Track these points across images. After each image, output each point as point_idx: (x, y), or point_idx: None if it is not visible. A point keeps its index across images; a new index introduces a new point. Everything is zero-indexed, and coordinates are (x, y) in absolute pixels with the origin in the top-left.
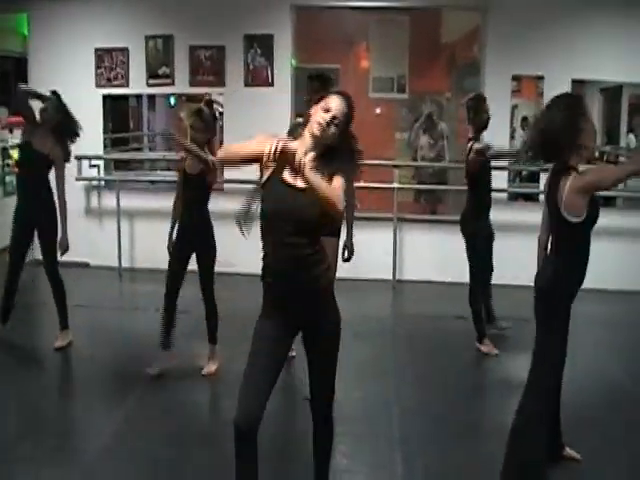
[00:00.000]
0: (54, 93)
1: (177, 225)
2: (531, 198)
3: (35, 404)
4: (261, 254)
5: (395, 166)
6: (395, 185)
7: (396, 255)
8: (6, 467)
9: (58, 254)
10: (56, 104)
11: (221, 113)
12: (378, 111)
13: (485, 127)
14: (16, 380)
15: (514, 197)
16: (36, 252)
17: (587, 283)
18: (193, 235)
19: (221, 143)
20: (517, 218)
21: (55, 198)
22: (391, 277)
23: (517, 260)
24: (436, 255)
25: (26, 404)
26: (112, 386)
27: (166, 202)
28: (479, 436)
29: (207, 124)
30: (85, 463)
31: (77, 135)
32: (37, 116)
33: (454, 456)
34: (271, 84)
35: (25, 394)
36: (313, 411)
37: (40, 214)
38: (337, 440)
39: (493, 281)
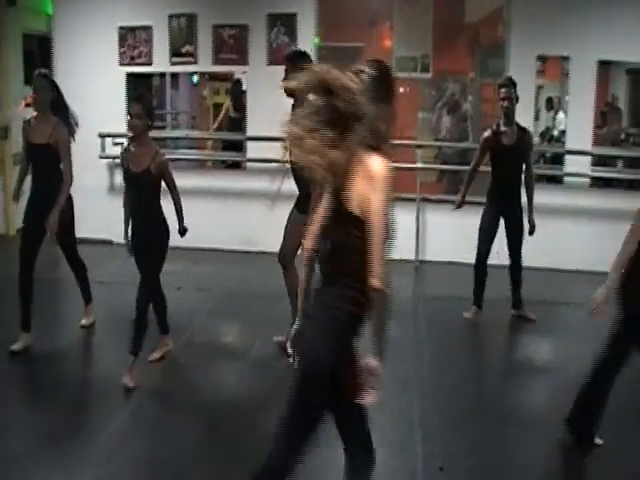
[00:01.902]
0: (44, 75)
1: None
2: (555, 180)
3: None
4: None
5: (418, 146)
6: (418, 165)
7: (419, 236)
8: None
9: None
10: (47, 84)
11: (244, 91)
12: (401, 90)
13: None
14: (44, 356)
15: (538, 179)
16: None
17: None
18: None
19: (239, 119)
20: (539, 200)
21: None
22: (414, 258)
23: (533, 242)
24: (459, 236)
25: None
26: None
27: (188, 180)
28: (498, 417)
29: (147, 110)
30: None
31: (75, 125)
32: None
33: (473, 436)
34: None
35: (55, 367)
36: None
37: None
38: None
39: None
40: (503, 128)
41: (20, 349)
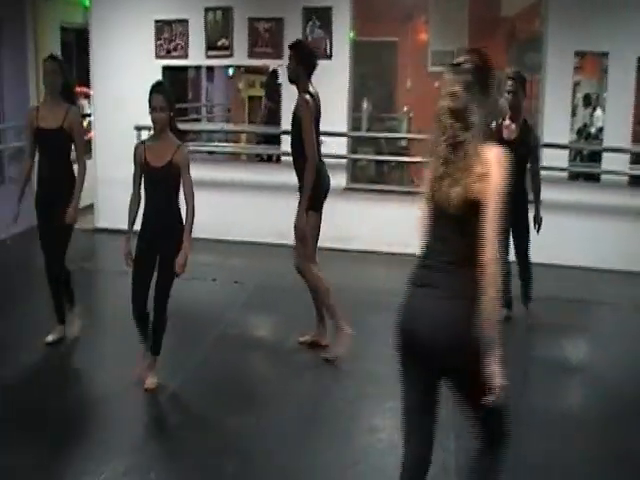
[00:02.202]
0: (54, 58)
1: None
2: (592, 178)
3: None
4: None
5: None
6: None
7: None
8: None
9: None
10: (58, 67)
11: (279, 83)
12: (437, 85)
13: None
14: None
15: (575, 176)
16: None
17: None
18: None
19: (273, 112)
20: (575, 198)
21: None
22: None
23: (570, 241)
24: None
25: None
26: (170, 350)
27: (224, 173)
28: (532, 415)
29: (169, 101)
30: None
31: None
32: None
33: None
34: (329, 57)
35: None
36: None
37: (62, 194)
38: (390, 415)
39: (549, 260)
40: (507, 122)
41: (54, 340)
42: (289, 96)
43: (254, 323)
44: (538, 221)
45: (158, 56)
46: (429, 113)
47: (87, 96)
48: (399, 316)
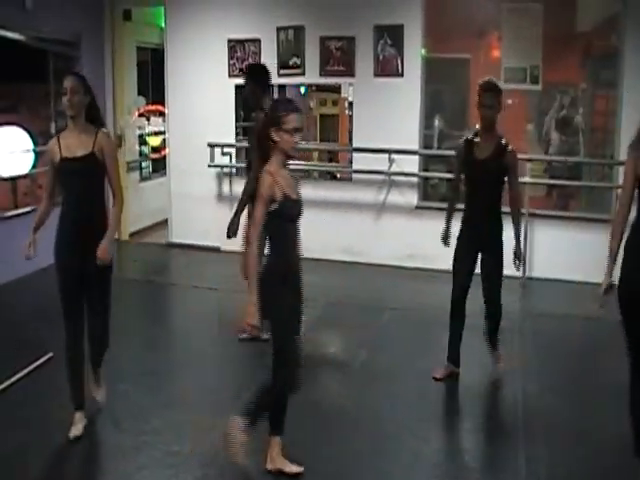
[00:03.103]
0: (75, 74)
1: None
2: None
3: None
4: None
5: (528, 160)
6: (527, 179)
7: (526, 251)
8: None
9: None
10: (81, 84)
11: (350, 103)
12: (509, 102)
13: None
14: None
15: None
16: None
17: None
18: None
19: (350, 132)
20: None
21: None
22: (521, 274)
23: None
24: (568, 253)
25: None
26: (240, 365)
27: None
28: (605, 442)
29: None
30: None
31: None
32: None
33: (579, 460)
34: (401, 74)
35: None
36: None
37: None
38: (460, 436)
39: None
40: (478, 139)
41: (79, 435)
42: (360, 114)
43: (326, 340)
44: (518, 255)
45: (231, 75)
46: (502, 129)
47: (162, 114)
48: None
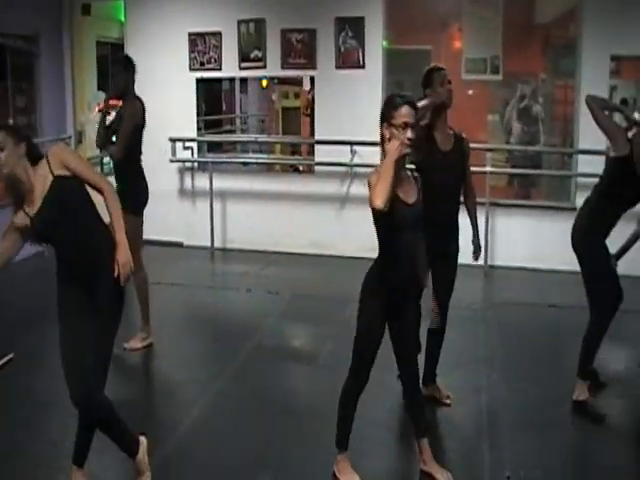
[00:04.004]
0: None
1: None
2: None
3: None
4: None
5: (488, 149)
6: (488, 169)
7: (488, 240)
8: None
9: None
10: (11, 135)
11: (313, 97)
12: (470, 92)
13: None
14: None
15: None
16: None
17: None
18: None
19: (312, 126)
20: None
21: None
22: (483, 263)
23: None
24: (529, 241)
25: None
26: (205, 361)
27: (257, 184)
28: (569, 427)
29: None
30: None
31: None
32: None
33: (543, 446)
34: (362, 66)
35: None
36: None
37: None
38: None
39: None
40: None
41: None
42: (322, 107)
43: (291, 333)
44: (477, 247)
45: (192, 68)
46: (462, 120)
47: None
48: None
